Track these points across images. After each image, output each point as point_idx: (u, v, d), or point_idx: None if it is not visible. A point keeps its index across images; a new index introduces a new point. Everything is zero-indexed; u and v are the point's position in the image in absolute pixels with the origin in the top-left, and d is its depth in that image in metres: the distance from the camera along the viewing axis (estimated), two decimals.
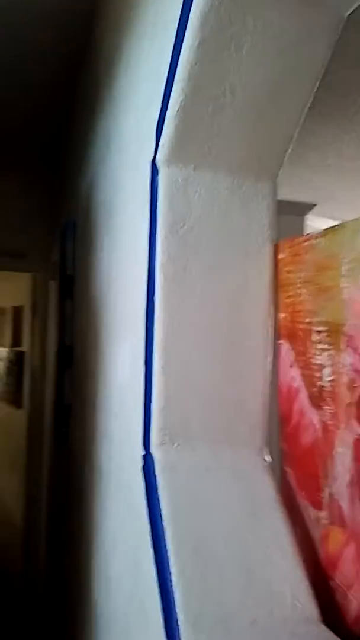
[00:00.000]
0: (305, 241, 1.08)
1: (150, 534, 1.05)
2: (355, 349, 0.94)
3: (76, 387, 2.35)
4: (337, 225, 0.98)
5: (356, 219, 0.94)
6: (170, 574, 0.96)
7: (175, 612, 0.92)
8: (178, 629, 0.90)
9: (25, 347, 4.38)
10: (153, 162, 1.14)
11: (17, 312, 4.46)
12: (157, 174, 1.13)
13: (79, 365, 2.28)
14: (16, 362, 4.38)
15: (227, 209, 1.16)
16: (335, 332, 0.99)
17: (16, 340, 4.44)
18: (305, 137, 2.96)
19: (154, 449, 1.12)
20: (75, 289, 2.51)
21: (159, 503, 1.05)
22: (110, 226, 1.62)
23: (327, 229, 1.00)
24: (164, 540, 1.00)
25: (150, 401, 1.13)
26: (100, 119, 1.91)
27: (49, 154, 3.43)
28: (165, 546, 0.99)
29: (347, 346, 0.96)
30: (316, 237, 1.04)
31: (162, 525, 1.02)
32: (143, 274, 1.18)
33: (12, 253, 3.78)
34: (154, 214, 1.13)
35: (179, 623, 0.90)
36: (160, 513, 1.03)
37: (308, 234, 1.07)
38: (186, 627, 0.89)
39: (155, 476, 1.09)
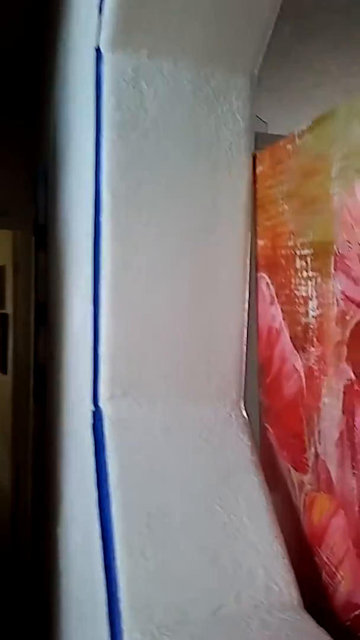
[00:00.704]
0: (288, 143, 0.86)
1: (97, 503, 0.87)
2: (346, 272, 0.73)
3: (50, 346, 2.17)
4: (327, 113, 0.75)
5: (349, 101, 0.71)
6: (114, 551, 0.78)
7: (118, 598, 0.74)
8: (119, 618, 0.72)
9: (8, 309, 4.18)
10: (97, 48, 0.91)
11: None
12: (101, 63, 0.90)
13: (52, 322, 2.09)
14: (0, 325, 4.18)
15: (191, 108, 0.93)
16: (322, 254, 0.78)
17: None
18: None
19: (103, 404, 0.93)
20: (48, 239, 2.30)
21: (106, 467, 0.86)
22: (67, 150, 1.39)
23: (314, 120, 0.78)
24: (110, 511, 0.82)
25: (98, 347, 0.94)
26: (59, 52, 1.65)
27: (25, 106, 3.15)
28: (110, 519, 0.81)
29: (337, 269, 0.75)
30: (301, 135, 0.82)
31: (109, 494, 0.83)
32: (90, 193, 0.96)
33: None
34: (99, 114, 0.91)
35: (121, 611, 0.73)
36: (107, 479, 0.85)
37: (292, 133, 0.85)
38: (130, 616, 0.72)
39: (103, 435, 0.90)
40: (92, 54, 0.92)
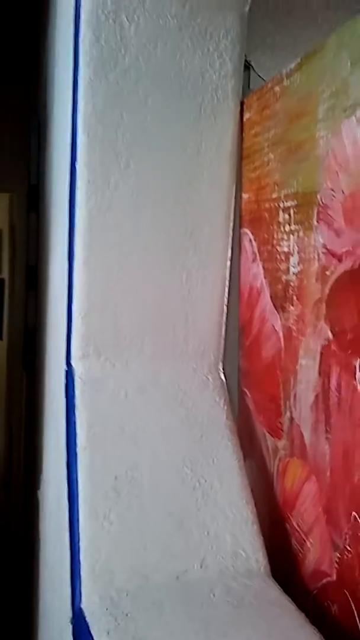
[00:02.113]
0: (276, 84, 0.79)
1: (66, 464, 0.84)
2: (329, 224, 0.67)
3: (40, 310, 2.12)
4: (316, 47, 0.69)
5: (338, 32, 0.64)
6: (78, 514, 0.75)
7: (79, 562, 0.71)
8: (79, 581, 0.70)
9: (4, 274, 4.12)
10: None
11: None
12: None
13: (41, 286, 2.04)
14: None
15: (175, 45, 0.86)
16: (305, 206, 0.73)
17: None
18: None
19: (75, 363, 0.88)
20: (40, 200, 2.23)
21: (75, 428, 0.83)
22: (53, 99, 1.32)
23: (303, 57, 0.72)
24: (76, 473, 0.78)
25: (71, 304, 0.89)
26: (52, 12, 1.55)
27: (23, 62, 3.03)
28: (76, 480, 0.78)
29: (319, 221, 0.70)
30: (289, 74, 0.75)
31: (76, 456, 0.80)
32: (67, 138, 0.90)
33: None
34: (77, 50, 0.84)
35: (82, 575, 0.70)
36: (76, 440, 0.81)
37: (280, 73, 0.78)
38: (89, 580, 0.69)
39: (74, 395, 0.86)
40: None
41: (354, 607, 0.65)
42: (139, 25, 0.85)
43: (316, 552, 0.72)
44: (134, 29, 0.84)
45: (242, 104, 0.90)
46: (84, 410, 0.84)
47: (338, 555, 0.68)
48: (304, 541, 0.75)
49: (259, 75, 2.11)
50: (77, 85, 0.85)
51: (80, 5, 0.83)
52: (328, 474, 0.69)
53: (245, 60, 1.03)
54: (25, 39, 2.78)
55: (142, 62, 0.85)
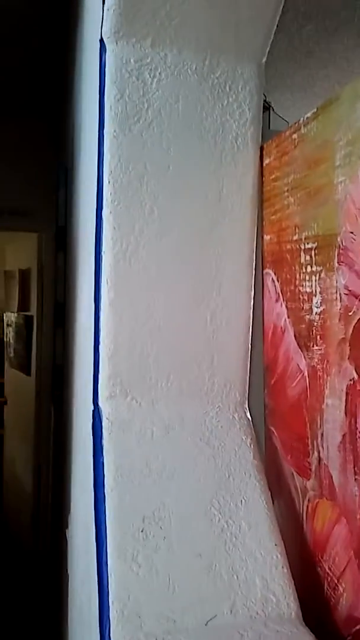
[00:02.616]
0: (294, 132, 0.82)
1: (94, 506, 0.84)
2: (350, 265, 0.69)
3: (67, 347, 2.16)
4: (331, 97, 0.71)
5: (353, 83, 0.67)
6: (106, 557, 0.75)
7: (108, 606, 0.71)
8: (109, 626, 0.69)
9: (32, 311, 4.23)
10: (101, 39, 0.89)
11: (24, 274, 4.29)
12: (104, 54, 0.88)
13: (68, 323, 2.08)
14: (25, 327, 4.24)
15: (195, 98, 0.91)
16: (326, 248, 0.74)
17: (24, 304, 4.29)
18: None
19: (102, 403, 0.90)
20: (68, 240, 2.30)
21: (102, 468, 0.84)
22: (80, 147, 1.38)
23: (320, 106, 0.74)
24: (104, 514, 0.79)
25: (98, 344, 0.91)
26: (77, 49, 1.65)
27: (50, 106, 3.18)
28: (104, 522, 0.79)
29: (340, 263, 0.71)
30: (307, 123, 0.78)
31: (104, 496, 0.81)
32: (94, 187, 0.95)
33: (16, 212, 3.59)
34: (102, 107, 0.89)
35: (111, 618, 0.70)
36: (103, 481, 0.82)
37: (297, 121, 0.81)
38: (119, 624, 0.69)
39: (101, 435, 0.87)
40: (97, 46, 0.91)
41: None
42: (160, 81, 0.89)
43: (349, 597, 0.70)
44: (156, 85, 0.89)
45: (261, 149, 0.93)
46: (112, 451, 0.85)
47: None
48: (336, 585, 0.73)
49: (278, 115, 2.17)
50: (102, 138, 0.90)
51: (104, 63, 0.89)
52: (358, 516, 0.68)
53: (265, 101, 1.07)
54: (53, 87, 2.92)
55: (164, 115, 0.90)
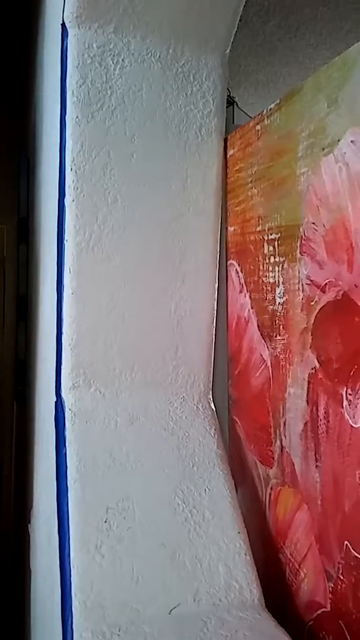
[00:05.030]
0: (258, 123, 0.82)
1: (56, 497, 0.83)
2: (311, 256, 0.70)
3: (29, 341, 2.12)
4: (294, 89, 0.72)
5: (315, 75, 0.68)
6: (69, 548, 0.74)
7: (71, 598, 0.70)
8: (71, 618, 0.69)
9: None
10: (63, 24, 0.87)
11: None
12: (66, 39, 0.86)
13: (32, 316, 2.04)
14: None
15: (159, 87, 0.90)
16: (289, 238, 0.75)
17: None
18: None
19: (65, 394, 0.89)
20: (29, 232, 2.26)
21: (65, 460, 0.83)
22: (41, 136, 1.35)
23: (282, 97, 0.75)
24: (67, 506, 0.78)
25: (61, 335, 0.90)
26: (38, 35, 1.61)
27: (9, 96, 3.10)
28: (67, 514, 0.77)
29: (302, 253, 0.72)
30: (270, 114, 0.79)
31: (67, 488, 0.80)
32: (55, 175, 0.93)
33: None
34: (64, 93, 0.87)
35: (73, 610, 0.69)
36: (66, 472, 0.81)
37: (261, 112, 0.81)
38: (81, 615, 0.68)
39: (64, 427, 0.86)
40: (59, 31, 0.89)
41: (349, 639, 0.65)
42: (124, 67, 0.88)
43: (310, 583, 0.72)
44: (119, 71, 0.88)
45: (225, 140, 0.93)
46: (75, 441, 0.84)
47: (332, 585, 0.68)
48: (298, 571, 0.74)
49: (242, 111, 2.18)
50: (64, 125, 0.88)
51: (66, 48, 0.87)
52: (319, 502, 0.69)
53: (229, 97, 1.07)
54: (14, 75, 2.84)
55: (127, 102, 0.89)
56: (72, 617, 0.69)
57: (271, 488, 0.82)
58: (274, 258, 0.79)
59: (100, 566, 0.73)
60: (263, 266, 0.82)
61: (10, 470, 3.49)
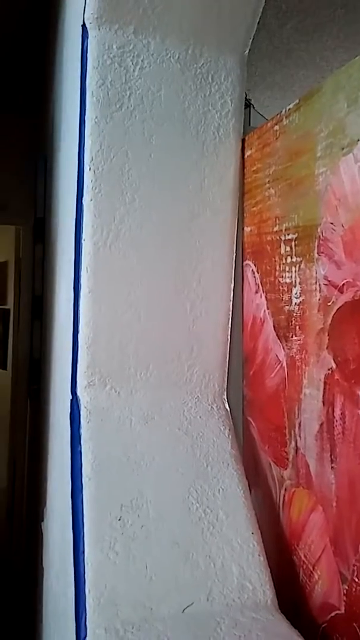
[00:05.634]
0: (276, 123, 0.82)
1: (71, 495, 0.84)
2: (329, 256, 0.69)
3: (45, 340, 2.14)
4: (313, 89, 0.72)
5: (334, 75, 0.68)
6: (83, 545, 0.75)
7: (84, 594, 0.71)
8: (85, 615, 0.69)
9: (9, 304, 4.16)
10: (83, 25, 0.88)
11: (1, 268, 4.23)
12: (87, 40, 0.87)
13: (46, 315, 2.06)
14: (1, 321, 4.18)
15: (178, 87, 0.90)
16: (306, 238, 0.75)
17: (1, 298, 4.23)
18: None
19: (80, 392, 0.90)
20: (45, 232, 2.28)
21: (80, 457, 0.83)
22: (60, 136, 1.36)
23: (301, 98, 0.75)
24: (81, 504, 0.79)
25: (77, 334, 0.91)
26: (58, 38, 1.63)
27: (29, 98, 3.13)
28: (82, 512, 0.78)
29: (320, 253, 0.72)
30: (288, 114, 0.79)
31: (82, 486, 0.80)
32: (74, 175, 0.94)
33: None
34: (84, 93, 0.88)
35: (87, 607, 0.69)
36: (81, 470, 0.82)
37: (279, 113, 0.81)
38: (95, 612, 0.69)
39: (79, 425, 0.87)
40: (79, 32, 0.90)
41: None
42: (143, 68, 0.89)
43: (324, 585, 0.71)
44: (138, 72, 0.89)
45: (243, 141, 0.93)
46: (89, 439, 0.85)
47: (346, 587, 0.67)
48: (312, 573, 0.74)
49: (259, 113, 2.18)
50: (84, 125, 0.89)
51: (86, 49, 0.88)
52: (334, 504, 0.69)
53: (246, 99, 1.07)
54: (33, 77, 2.87)
55: (146, 103, 0.89)
56: (85, 614, 0.69)
57: (285, 489, 0.81)
58: (291, 258, 0.79)
59: (114, 564, 0.73)
60: (279, 266, 0.82)
61: (23, 468, 3.53)
